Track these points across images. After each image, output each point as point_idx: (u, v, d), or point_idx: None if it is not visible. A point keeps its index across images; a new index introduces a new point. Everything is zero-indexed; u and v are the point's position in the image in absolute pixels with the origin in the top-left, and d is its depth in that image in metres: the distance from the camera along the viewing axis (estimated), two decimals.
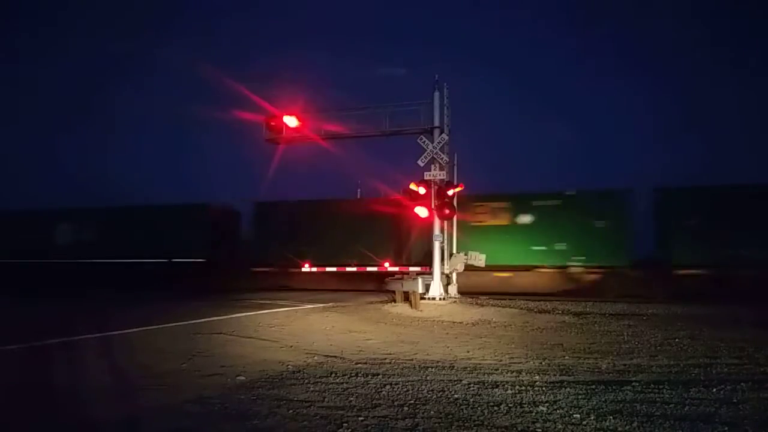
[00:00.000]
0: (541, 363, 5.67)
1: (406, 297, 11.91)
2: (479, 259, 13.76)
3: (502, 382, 4.72)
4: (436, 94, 12.87)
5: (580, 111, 63.90)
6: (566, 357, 6.03)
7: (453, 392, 4.34)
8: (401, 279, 12.41)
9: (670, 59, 59.29)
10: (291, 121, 13.94)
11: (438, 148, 12.48)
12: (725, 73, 56.31)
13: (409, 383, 4.64)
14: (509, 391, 4.35)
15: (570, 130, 62.98)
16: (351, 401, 4.06)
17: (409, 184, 12.76)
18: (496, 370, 5.31)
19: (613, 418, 3.59)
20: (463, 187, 13.00)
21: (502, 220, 17.45)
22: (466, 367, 5.42)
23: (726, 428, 3.40)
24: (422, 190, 12.46)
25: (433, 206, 12.45)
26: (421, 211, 12.65)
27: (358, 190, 21.75)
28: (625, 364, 5.58)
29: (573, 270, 16.57)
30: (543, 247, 16.82)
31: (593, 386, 4.52)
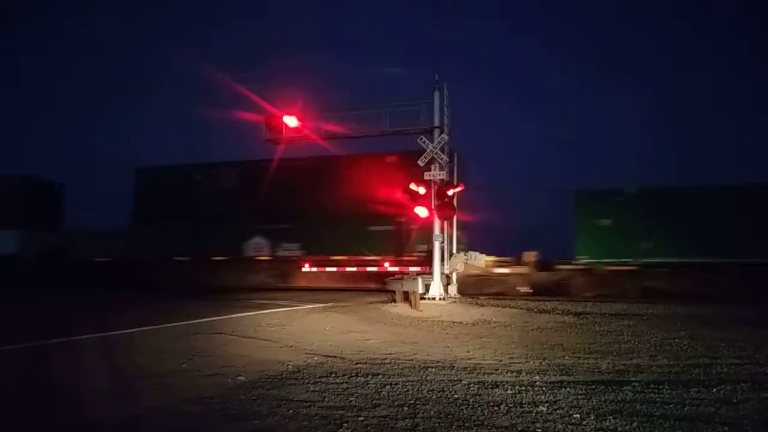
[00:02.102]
0: (541, 363, 5.67)
1: (406, 297, 11.90)
2: (479, 259, 13.77)
3: (502, 382, 4.72)
4: (436, 94, 12.88)
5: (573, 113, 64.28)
6: (566, 357, 6.03)
7: (453, 392, 4.34)
8: (401, 279, 12.41)
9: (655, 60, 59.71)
10: (291, 121, 13.96)
11: (438, 148, 12.49)
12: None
13: (409, 383, 4.64)
14: (509, 391, 4.35)
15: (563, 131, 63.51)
16: (351, 401, 4.06)
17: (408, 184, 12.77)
18: (496, 370, 5.31)
19: (613, 418, 3.59)
20: (463, 187, 13.00)
21: None
22: (466, 367, 5.42)
23: (726, 428, 3.40)
24: (422, 190, 12.49)
25: (433, 206, 12.46)
26: (422, 211, 12.67)
27: None
28: (625, 364, 5.57)
29: None
30: None
31: (593, 386, 4.52)
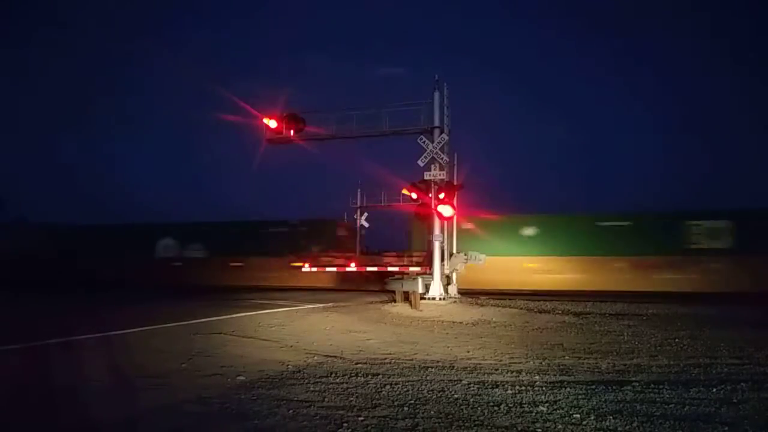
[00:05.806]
0: (541, 363, 5.66)
1: (406, 297, 11.90)
2: (479, 259, 13.76)
3: (502, 382, 4.72)
4: (436, 94, 12.87)
5: (579, 111, 64.01)
6: (566, 357, 6.03)
7: (453, 392, 4.33)
8: (401, 279, 12.40)
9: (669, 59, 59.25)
10: (291, 122, 13.95)
11: (438, 148, 12.48)
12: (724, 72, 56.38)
13: (409, 383, 4.64)
14: (509, 391, 4.35)
15: (569, 130, 63.18)
16: (351, 401, 4.06)
17: (411, 185, 12.78)
18: (496, 370, 5.31)
19: (613, 418, 3.59)
20: (462, 187, 13.00)
21: None
22: (466, 367, 5.41)
23: (726, 428, 3.40)
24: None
25: (433, 206, 12.46)
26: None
27: (358, 190, 21.73)
28: (625, 364, 5.57)
29: None
30: None
31: (593, 386, 4.51)
